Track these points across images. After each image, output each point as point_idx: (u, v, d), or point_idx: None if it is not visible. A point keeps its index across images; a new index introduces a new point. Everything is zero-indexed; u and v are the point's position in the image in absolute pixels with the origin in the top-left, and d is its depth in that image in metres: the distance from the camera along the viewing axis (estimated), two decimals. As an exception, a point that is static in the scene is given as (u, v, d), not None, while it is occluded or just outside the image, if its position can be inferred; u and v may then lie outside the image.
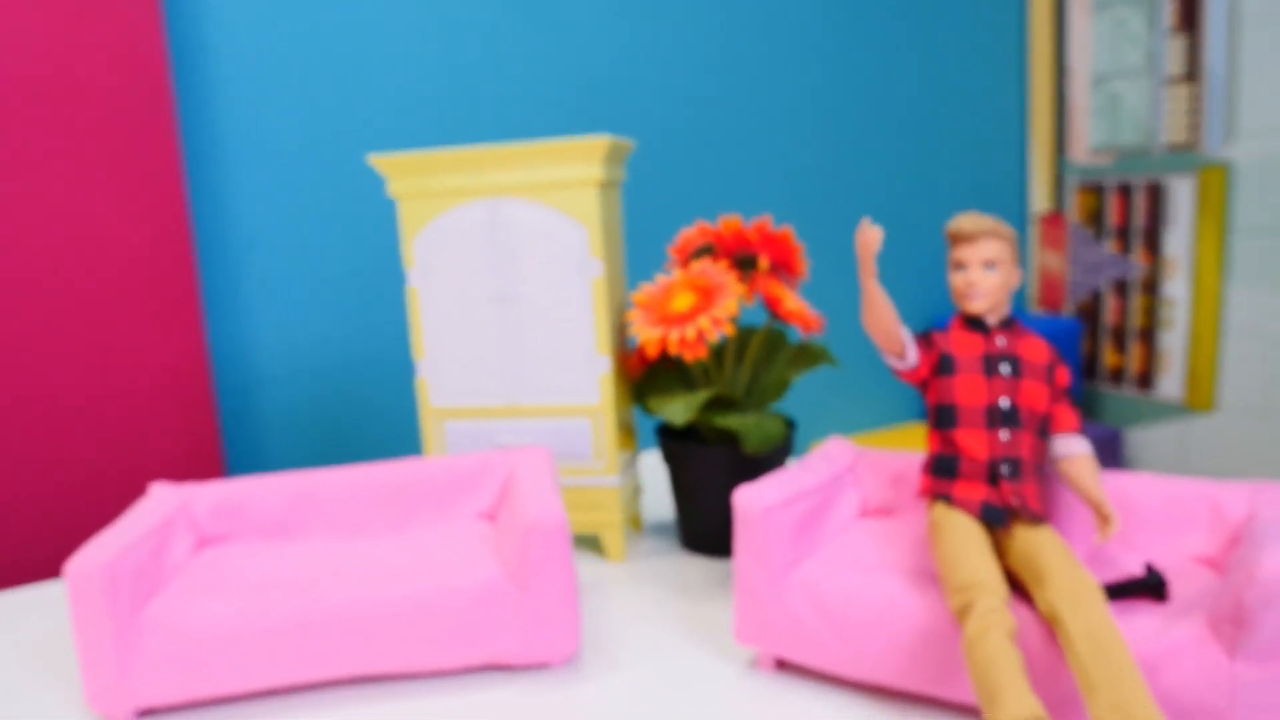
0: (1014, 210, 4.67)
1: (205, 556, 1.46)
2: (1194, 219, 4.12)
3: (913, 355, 1.29)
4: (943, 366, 1.31)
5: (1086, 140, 4.42)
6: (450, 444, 1.78)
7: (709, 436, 1.74)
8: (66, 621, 1.68)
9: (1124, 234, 4.44)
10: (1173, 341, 4.25)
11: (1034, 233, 4.64)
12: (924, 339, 1.33)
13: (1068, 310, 4.56)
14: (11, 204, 2.03)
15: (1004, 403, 1.27)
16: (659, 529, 1.93)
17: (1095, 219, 4.54)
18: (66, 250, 2.10)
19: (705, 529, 1.74)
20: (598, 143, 1.58)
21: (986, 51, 4.36)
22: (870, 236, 1.16)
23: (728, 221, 1.75)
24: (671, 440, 1.75)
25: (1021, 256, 4.75)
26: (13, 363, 2.07)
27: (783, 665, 1.36)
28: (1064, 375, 1.32)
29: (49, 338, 2.12)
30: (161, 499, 1.50)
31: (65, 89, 2.05)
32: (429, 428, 1.78)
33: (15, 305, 2.06)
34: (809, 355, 1.73)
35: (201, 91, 2.59)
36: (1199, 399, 4.16)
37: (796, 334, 4.00)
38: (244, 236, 2.72)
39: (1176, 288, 4.22)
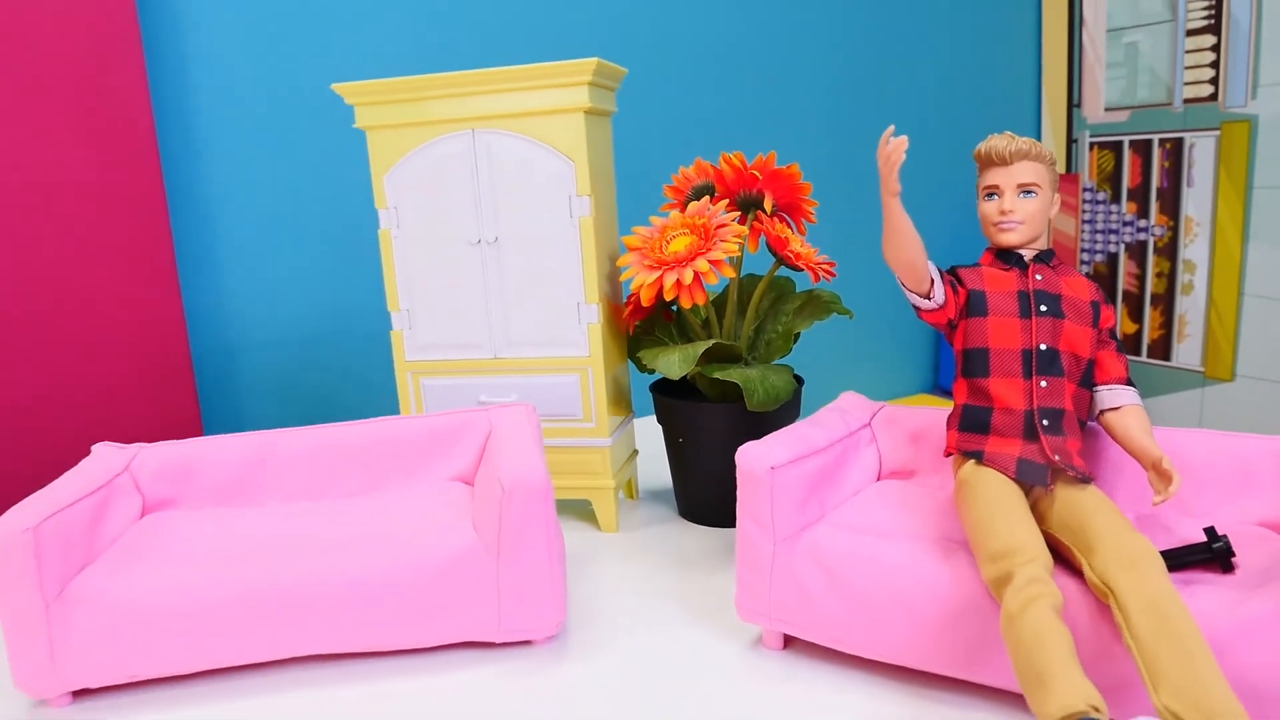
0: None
1: (148, 523, 1.32)
2: (1215, 177, 3.94)
3: (939, 293, 1.14)
4: (973, 306, 1.16)
5: (1101, 96, 4.23)
6: (427, 402, 1.63)
7: (709, 394, 1.59)
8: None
9: (1141, 194, 4.26)
10: (1191, 308, 4.09)
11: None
12: (951, 276, 1.18)
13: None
14: None
15: (1043, 347, 1.12)
16: (656, 497, 1.79)
17: (1110, 179, 4.36)
18: (35, 206, 1.97)
19: (705, 496, 1.59)
20: (584, 64, 1.42)
21: (1000, 4, 4.18)
22: (893, 148, 1.01)
23: (729, 159, 1.60)
24: (667, 398, 1.60)
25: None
26: None
27: (790, 643, 1.22)
28: (1110, 316, 1.17)
29: (19, 298, 1.99)
30: (104, 460, 1.36)
31: (30, 39, 1.91)
32: (404, 385, 1.63)
33: None
34: (819, 304, 1.58)
35: (169, 39, 2.43)
36: (1218, 368, 4.00)
37: (804, 285, 3.80)
38: (218, 191, 2.57)
39: (1196, 251, 4.05)
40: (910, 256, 1.10)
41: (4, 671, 1.29)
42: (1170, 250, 4.15)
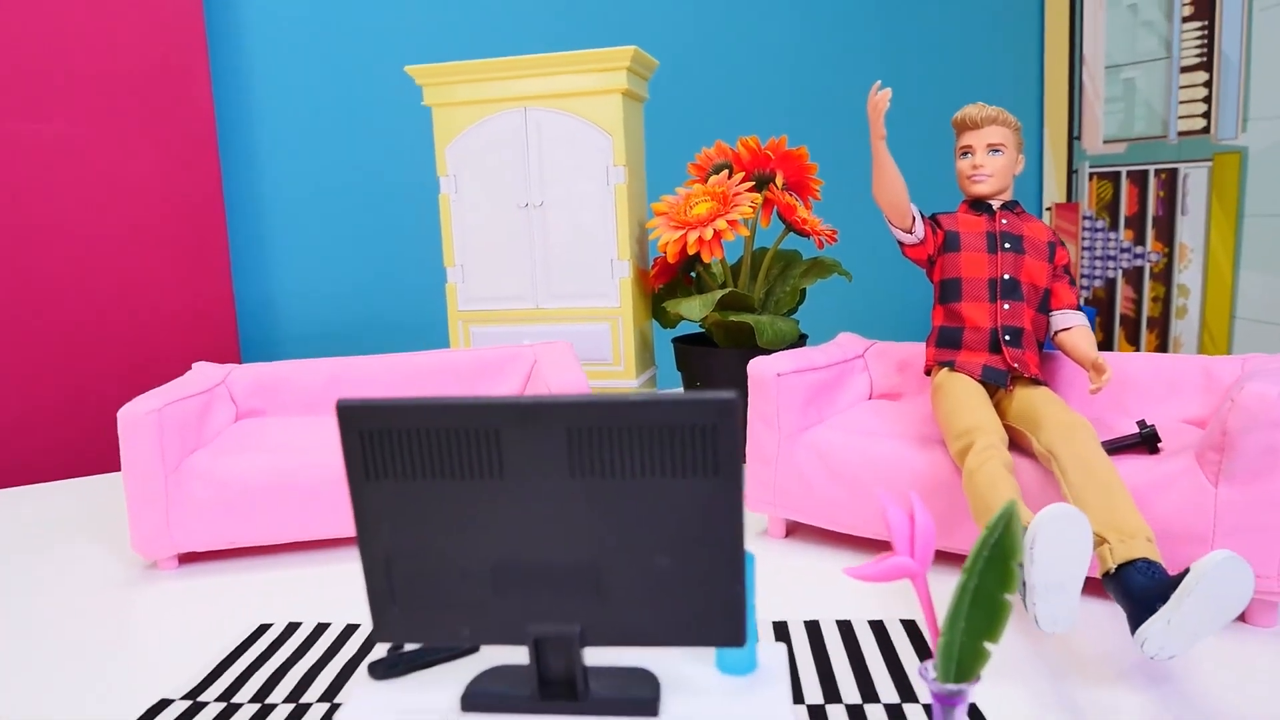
0: (1029, 201, 4.71)
1: (243, 425, 1.54)
2: (1207, 206, 4.15)
3: (920, 229, 1.36)
4: (948, 244, 1.37)
5: (1100, 129, 4.46)
6: (476, 347, 1.85)
7: (722, 344, 1.81)
8: (109, 499, 1.77)
9: (1138, 223, 4.47)
10: (1186, 331, 4.27)
11: (1048, 223, 4.68)
12: (931, 220, 1.40)
13: (1080, 300, 4.58)
14: (48, 152, 2.09)
15: (1006, 276, 1.34)
16: (674, 444, 1.99)
17: (1109, 208, 4.58)
18: (102, 202, 2.15)
19: (719, 431, 1.80)
20: (624, 52, 1.66)
21: (1002, 40, 4.42)
22: (881, 97, 1.24)
23: (745, 141, 1.82)
24: (685, 346, 1.82)
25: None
26: (48, 312, 2.13)
27: (792, 531, 1.43)
28: (1064, 255, 1.39)
29: (80, 287, 2.16)
30: (203, 373, 1.58)
31: (102, 43, 2.12)
32: (455, 332, 1.85)
33: (51, 260, 2.12)
34: (822, 267, 1.80)
35: (233, 48, 2.67)
36: (1210, 383, 4.15)
37: (810, 254, 3.96)
38: (271, 192, 2.79)
39: (1189, 276, 4.25)
40: (894, 195, 1.32)
41: (120, 539, 1.51)
42: (1165, 276, 4.34)
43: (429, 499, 0.62)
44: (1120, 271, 4.58)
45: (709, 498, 0.60)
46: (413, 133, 2.76)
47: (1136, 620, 0.95)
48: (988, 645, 0.70)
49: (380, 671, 0.78)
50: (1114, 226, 4.60)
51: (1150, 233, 4.43)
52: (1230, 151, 4.13)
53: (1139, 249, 4.50)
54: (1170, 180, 4.33)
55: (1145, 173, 4.42)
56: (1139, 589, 0.96)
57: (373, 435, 0.61)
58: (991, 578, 0.71)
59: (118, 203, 2.17)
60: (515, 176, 1.78)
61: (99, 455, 2.11)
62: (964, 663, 0.72)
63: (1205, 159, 4.20)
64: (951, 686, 0.71)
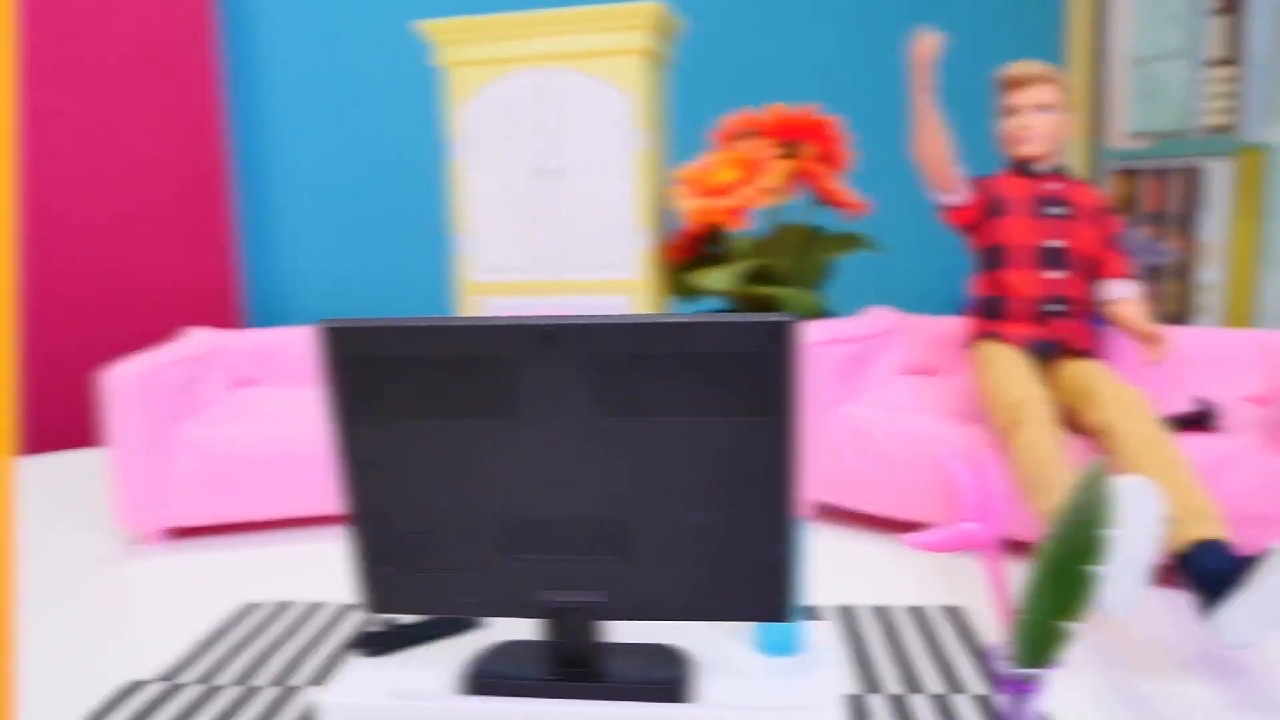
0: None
1: (238, 394, 1.46)
2: (1231, 203, 4.05)
3: (963, 191, 1.27)
4: (992, 208, 1.28)
5: (1123, 124, 4.36)
6: (484, 321, 1.76)
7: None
8: (97, 473, 1.69)
9: (1159, 219, 4.36)
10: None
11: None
12: (974, 184, 1.31)
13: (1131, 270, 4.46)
14: (50, 124, 2.00)
15: (1054, 243, 1.25)
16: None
17: (1130, 204, 4.47)
18: (106, 169, 2.06)
19: (738, 413, 1.72)
20: (648, 8, 1.58)
21: (1025, 33, 4.33)
22: (926, 45, 1.15)
23: (773, 109, 1.74)
24: (707, 322, 1.73)
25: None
26: (49, 285, 2.05)
27: (822, 514, 1.34)
28: (1115, 222, 1.30)
29: (84, 260, 2.08)
30: (198, 338, 1.50)
31: (111, 11, 2.03)
32: (465, 303, 1.77)
33: (50, 235, 2.04)
34: (850, 240, 1.71)
35: (243, 14, 2.59)
36: (1233, 383, 4.05)
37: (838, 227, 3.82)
38: (280, 166, 2.72)
39: (1211, 274, 4.14)
40: (937, 151, 1.23)
41: (105, 513, 1.43)
42: (1186, 273, 4.24)
43: (427, 442, 0.53)
44: (1140, 269, 4.46)
45: (756, 442, 0.51)
46: (424, 99, 2.67)
47: (1209, 605, 0.86)
48: (1070, 625, 0.62)
49: (369, 648, 0.69)
50: (1134, 223, 4.48)
51: (1172, 229, 4.32)
52: (1256, 148, 4.02)
53: (1161, 244, 4.38)
54: (1193, 176, 4.22)
55: (1168, 168, 4.31)
56: (1212, 572, 0.87)
57: (361, 364, 0.52)
58: (1076, 547, 0.62)
59: (121, 175, 2.11)
60: (530, 140, 1.69)
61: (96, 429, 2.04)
62: (1041, 645, 0.63)
63: (1230, 155, 4.10)
64: (1027, 672, 0.62)
